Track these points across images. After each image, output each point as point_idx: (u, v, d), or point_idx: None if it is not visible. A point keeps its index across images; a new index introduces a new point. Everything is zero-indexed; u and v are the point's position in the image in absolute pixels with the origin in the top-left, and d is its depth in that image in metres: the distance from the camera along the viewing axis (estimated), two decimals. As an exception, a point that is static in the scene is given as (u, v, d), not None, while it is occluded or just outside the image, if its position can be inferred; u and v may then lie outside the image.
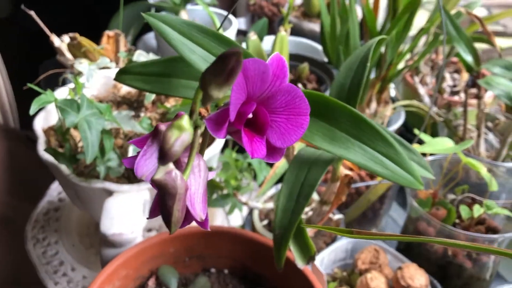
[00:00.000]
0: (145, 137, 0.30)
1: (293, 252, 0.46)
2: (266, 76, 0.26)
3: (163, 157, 0.20)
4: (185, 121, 0.21)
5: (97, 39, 0.77)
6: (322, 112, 0.42)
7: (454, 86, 0.90)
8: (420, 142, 0.62)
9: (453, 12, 0.80)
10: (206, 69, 0.21)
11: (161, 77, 0.47)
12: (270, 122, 0.28)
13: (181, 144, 0.20)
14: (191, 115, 0.23)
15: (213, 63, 0.20)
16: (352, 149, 0.41)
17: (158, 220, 0.69)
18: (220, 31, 0.89)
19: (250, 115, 0.27)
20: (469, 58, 0.70)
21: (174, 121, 0.20)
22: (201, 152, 0.27)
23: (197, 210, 0.25)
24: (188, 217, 0.25)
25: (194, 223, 0.27)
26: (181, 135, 0.20)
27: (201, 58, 0.41)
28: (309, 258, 0.45)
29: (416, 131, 0.60)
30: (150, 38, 1.13)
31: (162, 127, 0.28)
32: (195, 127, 0.24)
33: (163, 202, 0.22)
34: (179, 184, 0.22)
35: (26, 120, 1.03)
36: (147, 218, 0.25)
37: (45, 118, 0.66)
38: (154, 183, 0.22)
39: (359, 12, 1.05)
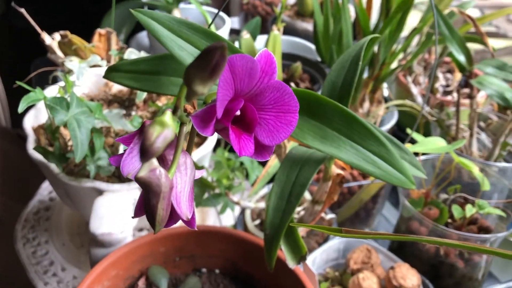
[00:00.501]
0: (132, 134, 0.29)
1: (284, 252, 0.46)
2: (254, 72, 0.26)
3: (144, 153, 0.19)
4: (168, 116, 0.20)
5: (88, 37, 0.76)
6: (313, 111, 0.42)
7: (447, 86, 0.90)
8: (413, 141, 0.62)
9: (446, 12, 0.80)
10: (190, 64, 0.20)
11: (151, 75, 0.46)
12: (259, 119, 0.27)
13: (163, 141, 0.19)
14: (175, 111, 0.22)
15: (197, 57, 0.20)
16: (343, 148, 0.41)
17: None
18: (212, 28, 0.88)
19: (238, 112, 0.27)
20: (461, 58, 0.70)
21: (156, 117, 0.20)
22: (189, 150, 0.27)
23: (182, 209, 0.24)
24: (174, 216, 0.25)
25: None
26: (163, 131, 0.20)
27: (190, 55, 0.41)
28: (300, 258, 0.45)
29: (408, 130, 0.60)
30: (143, 36, 1.12)
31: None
32: (181, 124, 0.24)
33: (147, 201, 0.22)
34: (163, 182, 0.21)
35: (18, 119, 1.02)
36: (132, 217, 0.25)
37: (35, 116, 0.66)
38: (138, 181, 0.21)
39: (352, 11, 1.05)
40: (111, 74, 0.47)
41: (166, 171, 0.22)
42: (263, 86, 0.27)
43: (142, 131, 0.28)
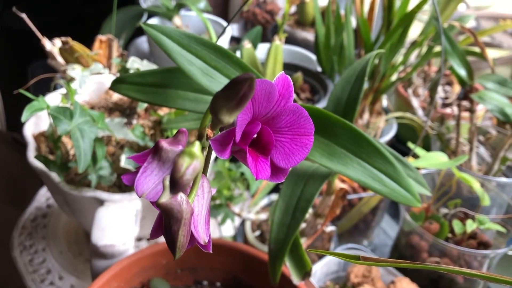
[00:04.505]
0: (145, 153, 0.29)
1: (288, 268, 0.46)
2: (272, 96, 0.26)
3: (175, 186, 0.19)
4: (196, 148, 0.20)
5: (85, 41, 0.75)
6: (322, 128, 0.42)
7: (446, 98, 0.91)
8: (413, 155, 0.62)
9: (445, 25, 0.80)
10: (217, 94, 0.20)
11: (158, 88, 0.46)
12: (275, 142, 0.27)
13: (193, 172, 0.19)
14: (199, 139, 0.22)
15: (224, 87, 0.20)
16: (351, 165, 0.41)
17: (148, 229, 0.68)
18: (213, 37, 0.88)
19: (255, 135, 0.27)
20: (462, 72, 0.70)
21: (185, 148, 0.20)
22: (204, 171, 0.27)
23: (200, 233, 0.24)
24: (191, 239, 0.24)
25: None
26: (192, 163, 0.19)
27: (199, 70, 0.41)
28: (305, 274, 0.45)
29: (411, 145, 0.60)
30: (142, 42, 1.12)
31: (164, 143, 0.27)
32: (201, 149, 0.24)
33: (168, 227, 0.21)
34: (185, 209, 0.21)
35: (13, 122, 1.01)
36: (148, 239, 0.25)
37: (35, 124, 0.65)
38: (159, 207, 0.21)
39: (353, 21, 1.05)
40: (117, 86, 0.47)
41: (186, 197, 0.22)
42: (279, 109, 0.27)
43: (156, 150, 0.27)
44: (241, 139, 0.26)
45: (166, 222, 0.22)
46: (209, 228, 0.25)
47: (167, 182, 0.20)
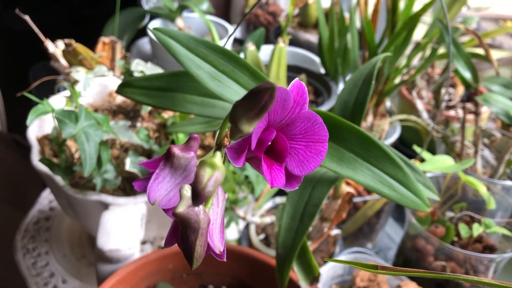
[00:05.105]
0: (156, 159, 0.29)
1: (296, 273, 0.45)
2: (287, 104, 0.25)
3: (197, 198, 0.19)
4: (218, 158, 0.20)
5: (87, 44, 0.75)
6: (330, 132, 0.41)
7: (449, 100, 0.91)
8: (419, 158, 0.62)
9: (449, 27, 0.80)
10: (237, 103, 0.20)
11: (164, 92, 0.46)
12: (289, 149, 0.27)
13: (215, 184, 0.19)
14: (219, 149, 0.22)
15: (244, 97, 0.20)
16: (360, 170, 0.41)
17: (153, 232, 0.68)
18: (216, 38, 0.88)
19: (269, 142, 0.26)
20: (467, 75, 0.70)
21: (206, 159, 0.20)
22: (218, 179, 0.27)
23: (215, 242, 0.24)
24: (206, 249, 0.24)
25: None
26: (214, 174, 0.19)
27: (208, 74, 0.40)
28: (313, 279, 0.45)
29: (417, 148, 0.60)
30: (144, 43, 1.12)
31: (176, 150, 0.27)
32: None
33: (184, 237, 0.21)
34: (202, 219, 0.21)
35: (13, 123, 1.01)
36: (162, 248, 0.24)
37: (39, 126, 0.65)
38: (176, 216, 0.21)
39: (357, 23, 1.05)
40: (123, 89, 0.47)
41: (204, 207, 0.21)
42: (294, 116, 0.27)
43: (168, 157, 0.27)
44: (256, 146, 0.25)
45: (183, 232, 0.21)
46: (223, 237, 0.25)
47: (185, 192, 0.20)
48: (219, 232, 0.25)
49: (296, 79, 0.27)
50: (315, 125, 0.27)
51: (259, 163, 0.26)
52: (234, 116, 0.20)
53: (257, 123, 0.22)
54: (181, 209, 0.21)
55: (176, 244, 0.26)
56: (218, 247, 0.24)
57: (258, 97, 0.19)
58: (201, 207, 0.21)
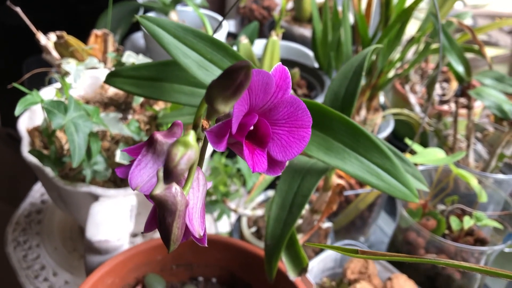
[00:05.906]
0: (139, 145, 0.28)
1: (285, 264, 0.45)
2: (269, 87, 0.25)
3: (169, 175, 0.19)
4: (191, 137, 0.20)
5: (80, 36, 0.74)
6: (318, 122, 0.41)
7: (443, 95, 0.91)
8: (411, 151, 0.61)
9: (443, 21, 0.80)
10: (212, 83, 0.20)
11: (153, 81, 0.45)
12: (272, 134, 0.27)
13: (187, 162, 0.19)
14: (194, 129, 0.22)
15: (220, 76, 0.19)
16: (348, 160, 0.41)
17: (143, 225, 0.68)
18: (210, 32, 0.88)
19: (251, 127, 0.26)
20: (460, 69, 0.70)
21: (179, 137, 0.19)
22: (200, 164, 0.26)
23: (195, 226, 0.24)
24: (185, 233, 0.24)
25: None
26: (187, 152, 0.19)
27: (195, 63, 0.40)
28: (301, 269, 0.44)
29: (408, 141, 0.60)
30: (138, 37, 1.11)
31: (158, 136, 0.26)
32: (197, 140, 0.23)
33: (162, 219, 0.21)
34: (179, 201, 0.21)
35: (8, 118, 1.00)
36: (142, 233, 0.24)
37: (29, 118, 0.64)
38: (153, 199, 0.21)
39: (350, 17, 1.05)
40: (112, 79, 0.47)
41: (181, 189, 0.21)
42: (277, 101, 0.26)
43: (150, 143, 0.27)
44: (238, 131, 0.25)
45: (160, 215, 0.21)
46: (204, 222, 0.25)
47: (161, 174, 0.20)
48: (200, 216, 0.24)
49: (279, 63, 0.26)
50: (298, 110, 0.27)
51: (241, 148, 0.26)
52: (209, 96, 0.20)
53: (236, 105, 0.22)
54: (157, 191, 0.20)
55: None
56: (198, 231, 0.24)
57: (233, 76, 0.19)
58: (178, 189, 0.21)
